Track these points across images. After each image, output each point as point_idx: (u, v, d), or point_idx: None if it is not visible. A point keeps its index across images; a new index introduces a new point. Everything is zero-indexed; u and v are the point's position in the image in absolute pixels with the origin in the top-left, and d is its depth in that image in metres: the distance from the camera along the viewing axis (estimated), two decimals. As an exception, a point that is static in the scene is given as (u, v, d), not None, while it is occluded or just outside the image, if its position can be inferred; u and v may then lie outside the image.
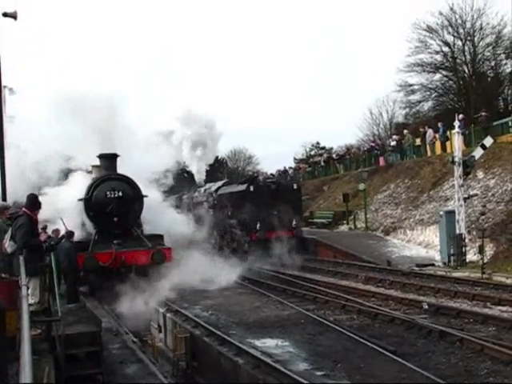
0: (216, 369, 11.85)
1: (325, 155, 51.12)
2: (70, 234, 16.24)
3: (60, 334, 9.36)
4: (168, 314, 15.69)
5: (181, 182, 33.52)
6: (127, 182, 19.35)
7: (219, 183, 33.37)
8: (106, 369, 9.70)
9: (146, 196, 19.60)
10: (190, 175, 38.22)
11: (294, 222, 27.15)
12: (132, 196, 19.24)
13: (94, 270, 17.67)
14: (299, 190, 29.50)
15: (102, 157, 19.71)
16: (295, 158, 68.45)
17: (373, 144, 42.13)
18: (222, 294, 18.46)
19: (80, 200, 19.62)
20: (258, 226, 26.68)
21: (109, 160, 19.67)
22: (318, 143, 69.70)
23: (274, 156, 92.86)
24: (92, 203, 19.08)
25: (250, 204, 26.68)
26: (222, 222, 29.48)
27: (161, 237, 19.88)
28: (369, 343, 11.37)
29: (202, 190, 34.94)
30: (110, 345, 11.70)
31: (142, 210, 19.57)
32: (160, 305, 17.07)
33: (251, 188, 27.55)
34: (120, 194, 18.92)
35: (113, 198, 18.82)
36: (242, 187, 28.22)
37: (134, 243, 18.81)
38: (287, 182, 32.41)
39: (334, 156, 47.18)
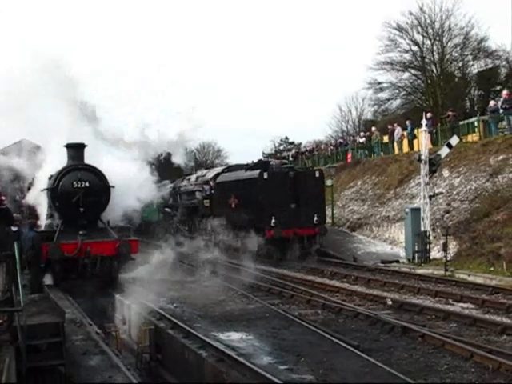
0: (180, 361, 11.83)
1: (293, 150, 51.30)
2: (33, 223, 16.01)
3: (22, 325, 9.23)
4: (133, 306, 15.60)
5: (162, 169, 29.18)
6: (94, 172, 19.12)
7: (217, 169, 29.85)
8: (68, 360, 9.60)
9: (113, 187, 19.40)
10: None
11: (315, 218, 23.16)
12: (99, 186, 19.02)
13: (59, 260, 17.46)
14: (322, 178, 24.73)
15: (69, 146, 19.44)
16: (264, 153, 68.57)
17: (341, 140, 42.43)
18: (188, 287, 18.42)
19: (45, 190, 19.38)
20: (273, 221, 22.52)
21: (76, 150, 19.41)
22: (286, 138, 70.00)
23: (242, 150, 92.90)
24: (58, 193, 18.81)
25: (262, 195, 22.85)
26: (222, 216, 25.63)
27: (128, 229, 19.74)
28: (333, 338, 11.46)
29: (193, 177, 31.73)
30: (74, 336, 11.57)
31: (108, 201, 19.38)
32: (125, 296, 16.97)
33: (265, 175, 23.15)
34: (87, 184, 18.69)
35: (79, 188, 18.59)
36: (253, 174, 23.93)
37: (101, 234, 18.63)
38: (307, 169, 28.09)
39: (302, 151, 47.37)
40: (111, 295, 17.79)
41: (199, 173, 31.91)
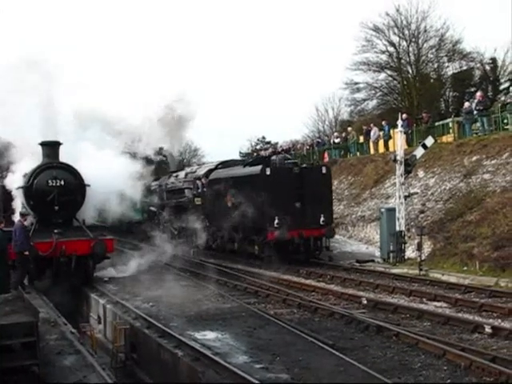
0: (155, 361, 11.81)
1: (270, 149, 51.32)
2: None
3: (-5, 325, 9.14)
4: (108, 306, 15.54)
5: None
6: (69, 170, 19.01)
7: (209, 165, 27.82)
8: (42, 360, 9.52)
9: (88, 185, 19.28)
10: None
11: (322, 218, 21.48)
12: (74, 185, 18.93)
13: (34, 259, 17.32)
14: (329, 174, 22.88)
15: (44, 144, 19.28)
16: (241, 152, 68.54)
17: (319, 140, 42.59)
18: (164, 286, 18.37)
19: (19, 188, 19.21)
20: (277, 222, 20.67)
21: (51, 147, 19.26)
22: (263, 138, 69.96)
23: (219, 150, 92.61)
24: (32, 191, 18.67)
25: (265, 192, 20.95)
26: (216, 216, 24.19)
27: (103, 227, 19.64)
28: (308, 337, 11.52)
29: (182, 174, 29.99)
30: (48, 335, 11.49)
31: (84, 200, 19.26)
32: (100, 296, 16.91)
33: (267, 171, 21.21)
34: (62, 182, 18.60)
35: (54, 186, 18.49)
36: (254, 170, 22.01)
37: (76, 233, 18.52)
38: (313, 165, 25.37)
39: (278, 151, 47.40)
40: (86, 294, 17.72)
41: (188, 169, 30.28)
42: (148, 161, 26.42)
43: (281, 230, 20.53)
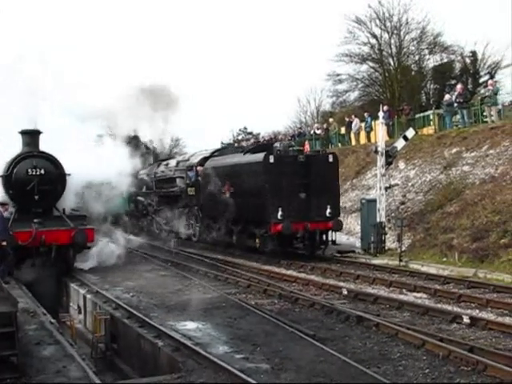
0: (136, 351, 11.79)
1: (252, 140, 51.31)
2: None
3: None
4: (88, 296, 15.48)
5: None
6: (50, 159, 18.86)
7: (204, 152, 26.20)
8: (21, 350, 9.46)
9: (69, 174, 19.14)
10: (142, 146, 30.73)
11: (328, 210, 20.24)
12: (54, 174, 18.79)
13: (13, 248, 17.17)
14: (336, 163, 21.23)
15: (23, 133, 19.09)
16: (222, 143, 68.41)
17: (300, 130, 42.62)
18: (144, 276, 18.35)
19: (-3, 177, 19.02)
20: (280, 213, 19.48)
21: (31, 136, 19.08)
22: (245, 128, 69.93)
23: (200, 140, 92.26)
24: (12, 181, 18.50)
25: (268, 182, 19.79)
26: (212, 207, 23.02)
27: (83, 217, 19.52)
28: (289, 327, 11.56)
29: (173, 162, 28.61)
30: (27, 326, 11.43)
31: (64, 189, 19.12)
32: (80, 285, 16.83)
33: (271, 159, 19.93)
34: (42, 171, 18.45)
35: (34, 175, 18.33)
36: (256, 157, 20.61)
37: (56, 223, 18.40)
38: (319, 153, 23.15)
39: (260, 141, 47.41)
40: (66, 284, 17.63)
41: (180, 157, 28.79)
42: (135, 146, 25.81)
43: (285, 223, 19.36)
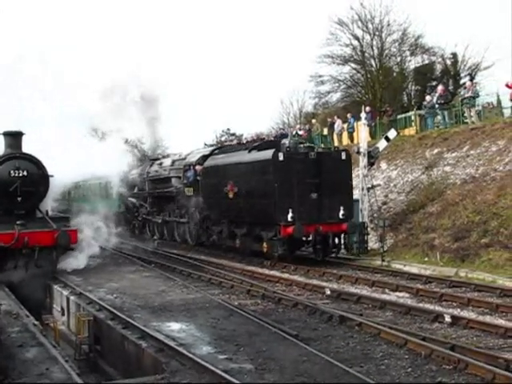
0: (119, 352, 11.77)
1: (235, 141, 51.30)
2: None
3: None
4: (71, 297, 15.42)
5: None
6: (33, 161, 18.79)
7: (203, 150, 25.09)
8: (4, 353, 9.44)
9: (51, 176, 19.06)
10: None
11: (341, 212, 18.96)
12: (37, 175, 18.72)
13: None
14: (349, 160, 19.98)
15: (6, 134, 19.00)
16: (206, 144, 68.30)
17: (282, 132, 42.68)
18: (128, 277, 18.31)
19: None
20: (291, 215, 18.20)
21: (13, 138, 18.98)
22: (228, 129, 69.87)
23: (182, 141, 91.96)
24: (-6, 182, 18.40)
25: (277, 181, 18.43)
26: (213, 209, 21.82)
27: (67, 219, 19.46)
28: (272, 328, 11.60)
29: (168, 161, 27.28)
30: (10, 328, 11.37)
31: (47, 191, 19.05)
32: (63, 287, 16.76)
33: (280, 156, 18.57)
34: (25, 173, 18.38)
35: (17, 177, 18.25)
36: (264, 155, 19.20)
37: (39, 224, 18.33)
38: (331, 150, 21.83)
39: (243, 142, 47.40)
40: (49, 286, 17.55)
41: (175, 156, 27.41)
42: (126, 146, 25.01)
43: (297, 225, 18.08)
